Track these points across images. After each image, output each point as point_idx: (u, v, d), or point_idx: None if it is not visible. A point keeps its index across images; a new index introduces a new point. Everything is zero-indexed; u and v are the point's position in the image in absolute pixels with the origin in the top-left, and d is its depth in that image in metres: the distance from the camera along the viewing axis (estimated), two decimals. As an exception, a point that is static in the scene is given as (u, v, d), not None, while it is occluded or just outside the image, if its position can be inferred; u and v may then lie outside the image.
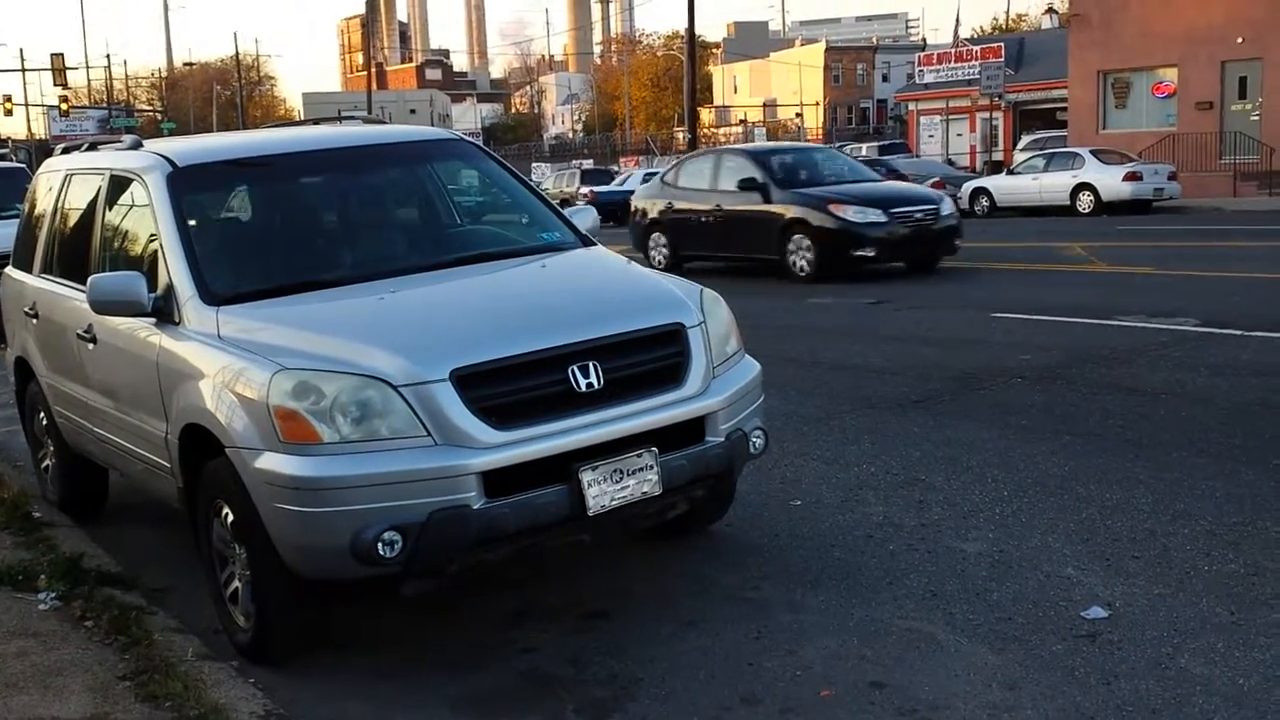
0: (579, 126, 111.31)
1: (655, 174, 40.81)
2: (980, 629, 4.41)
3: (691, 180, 18.01)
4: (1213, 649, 4.09)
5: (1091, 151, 28.87)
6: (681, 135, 61.90)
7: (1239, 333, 9.75)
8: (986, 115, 44.98)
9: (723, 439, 4.70)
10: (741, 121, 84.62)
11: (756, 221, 16.29)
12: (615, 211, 36.78)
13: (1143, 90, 34.69)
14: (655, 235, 18.45)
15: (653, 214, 18.55)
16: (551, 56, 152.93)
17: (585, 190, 39.32)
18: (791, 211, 15.92)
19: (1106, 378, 8.54)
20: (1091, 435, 6.98)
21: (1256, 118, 31.36)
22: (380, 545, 4.04)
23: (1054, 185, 28.20)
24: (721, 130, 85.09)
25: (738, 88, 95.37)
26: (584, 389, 4.34)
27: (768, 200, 16.21)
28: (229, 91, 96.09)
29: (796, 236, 15.86)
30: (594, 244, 5.76)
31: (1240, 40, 31.02)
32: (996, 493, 6.00)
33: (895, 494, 6.10)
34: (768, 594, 4.91)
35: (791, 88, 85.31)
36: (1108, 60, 34.98)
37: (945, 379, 8.79)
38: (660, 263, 17.76)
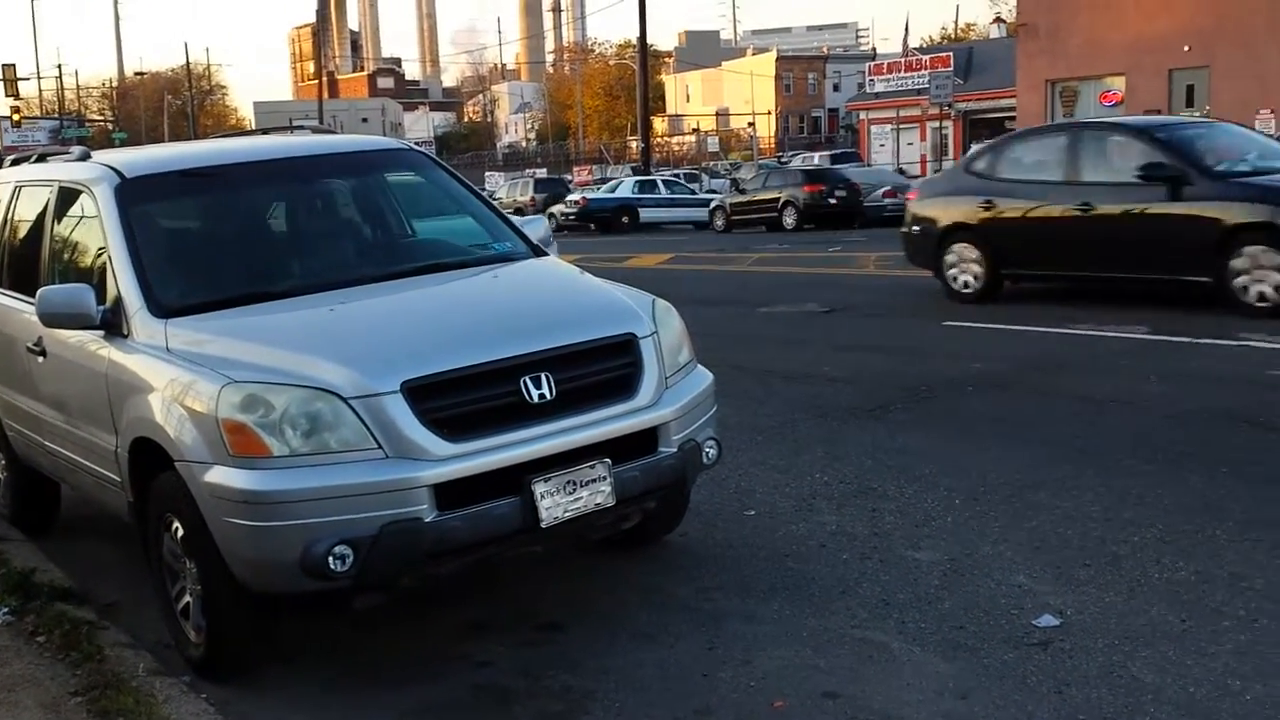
0: (532, 135, 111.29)
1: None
2: (932, 638, 4.42)
3: (1026, 169, 12.92)
4: (1164, 657, 4.12)
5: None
6: (635, 144, 61.99)
7: (1189, 340, 9.87)
8: (936, 124, 45.42)
9: (675, 449, 4.70)
10: (694, 130, 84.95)
11: (1165, 226, 11.31)
12: (606, 219, 36.88)
13: (1090, 99, 35.22)
14: (960, 247, 13.11)
15: (954, 218, 13.26)
16: (504, 65, 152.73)
17: (578, 197, 39.45)
18: (1240, 213, 10.84)
19: (1057, 385, 8.61)
20: (1042, 443, 7.03)
21: (1202, 126, 31.83)
22: (331, 559, 4.00)
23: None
24: (674, 139, 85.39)
25: (690, 96, 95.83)
26: (536, 400, 4.32)
27: (1179, 195, 11.21)
28: (180, 101, 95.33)
29: (1254, 250, 10.72)
30: (545, 254, 5.75)
31: (1187, 49, 31.55)
32: (948, 501, 6.03)
33: (848, 503, 6.12)
34: (722, 605, 4.91)
35: (744, 97, 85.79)
36: (1055, 69, 35.47)
37: (898, 388, 8.84)
38: (970, 284, 13.05)
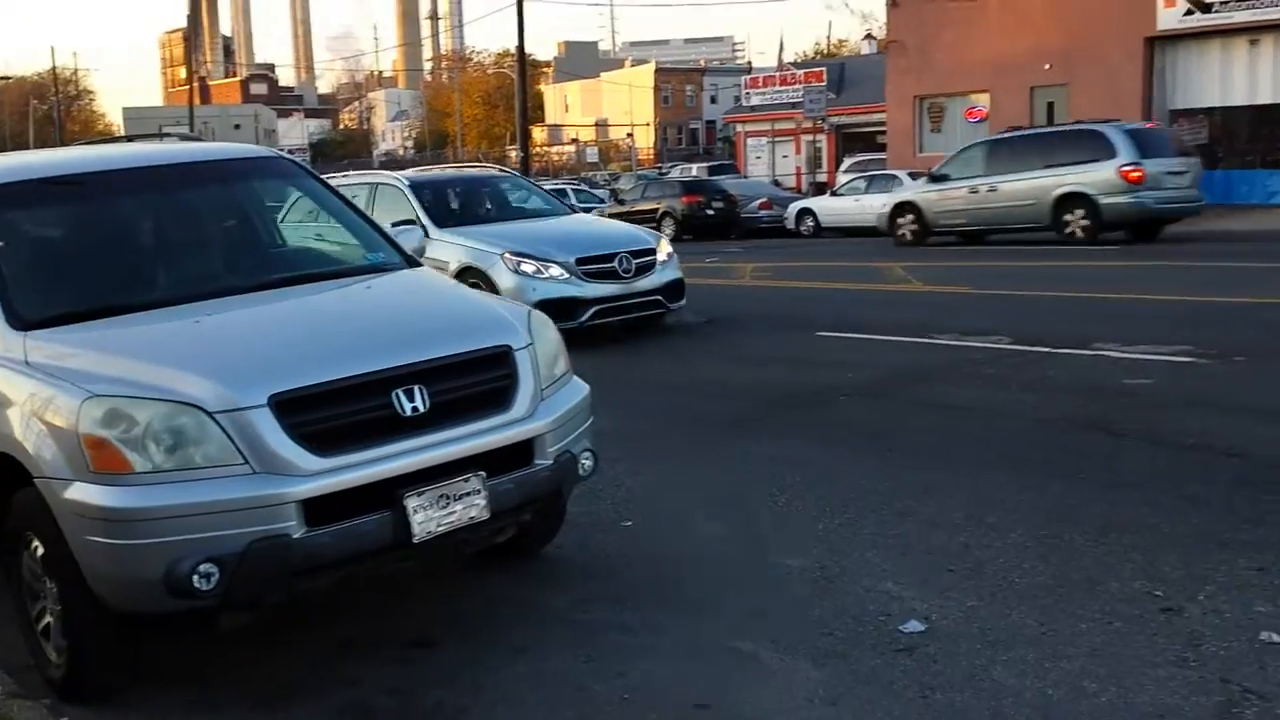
0: (410, 143, 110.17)
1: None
2: (803, 645, 4.49)
3: None
4: (1024, 660, 4.24)
5: (909, 174, 29.89)
6: (514, 153, 61.76)
7: (1047, 350, 10.20)
8: (810, 137, 46.15)
9: (551, 462, 4.70)
10: (574, 141, 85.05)
11: None
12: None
13: (956, 114, 36.09)
14: None
15: None
16: (380, 72, 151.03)
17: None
18: None
19: (924, 395, 8.83)
20: (910, 451, 7.20)
21: (1064, 142, 32.89)
22: (196, 578, 3.91)
23: (875, 206, 29.06)
24: (554, 149, 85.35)
25: (569, 107, 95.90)
26: (409, 413, 4.29)
27: None
28: (46, 106, 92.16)
29: None
30: (419, 264, 5.71)
31: (1048, 67, 32.54)
32: (819, 509, 6.13)
33: (724, 513, 6.19)
34: (597, 616, 4.92)
35: (622, 108, 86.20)
36: (923, 85, 36.29)
37: (773, 397, 8.97)
38: None
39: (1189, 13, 30.00)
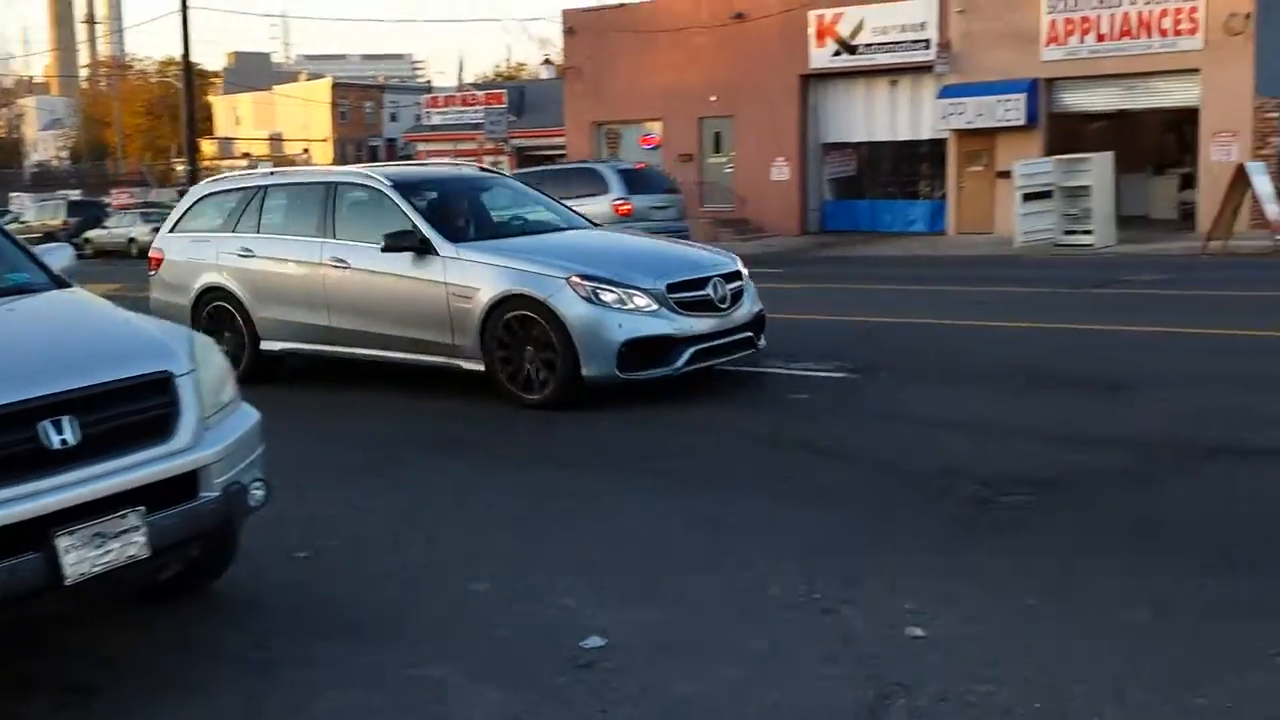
0: (65, 154, 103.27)
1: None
2: (486, 667, 4.48)
3: None
4: (696, 668, 4.38)
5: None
6: (181, 166, 58.92)
7: (719, 369, 10.61)
8: (493, 158, 46.28)
9: (219, 493, 4.51)
10: (246, 155, 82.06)
11: None
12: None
13: (632, 141, 37.13)
14: None
15: None
16: (31, 78, 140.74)
17: None
18: None
19: (608, 415, 8.99)
20: (598, 467, 7.33)
21: (730, 170, 34.52)
22: None
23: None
24: (225, 162, 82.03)
25: (240, 119, 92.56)
26: (58, 446, 4.00)
27: None
28: None
29: None
30: (69, 285, 5.36)
31: (714, 99, 34.02)
32: (502, 529, 6.15)
33: (403, 537, 6.10)
34: (274, 651, 4.74)
35: (298, 122, 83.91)
36: (600, 111, 37.16)
37: (460, 417, 8.93)
38: None
39: (837, 53, 32.08)
